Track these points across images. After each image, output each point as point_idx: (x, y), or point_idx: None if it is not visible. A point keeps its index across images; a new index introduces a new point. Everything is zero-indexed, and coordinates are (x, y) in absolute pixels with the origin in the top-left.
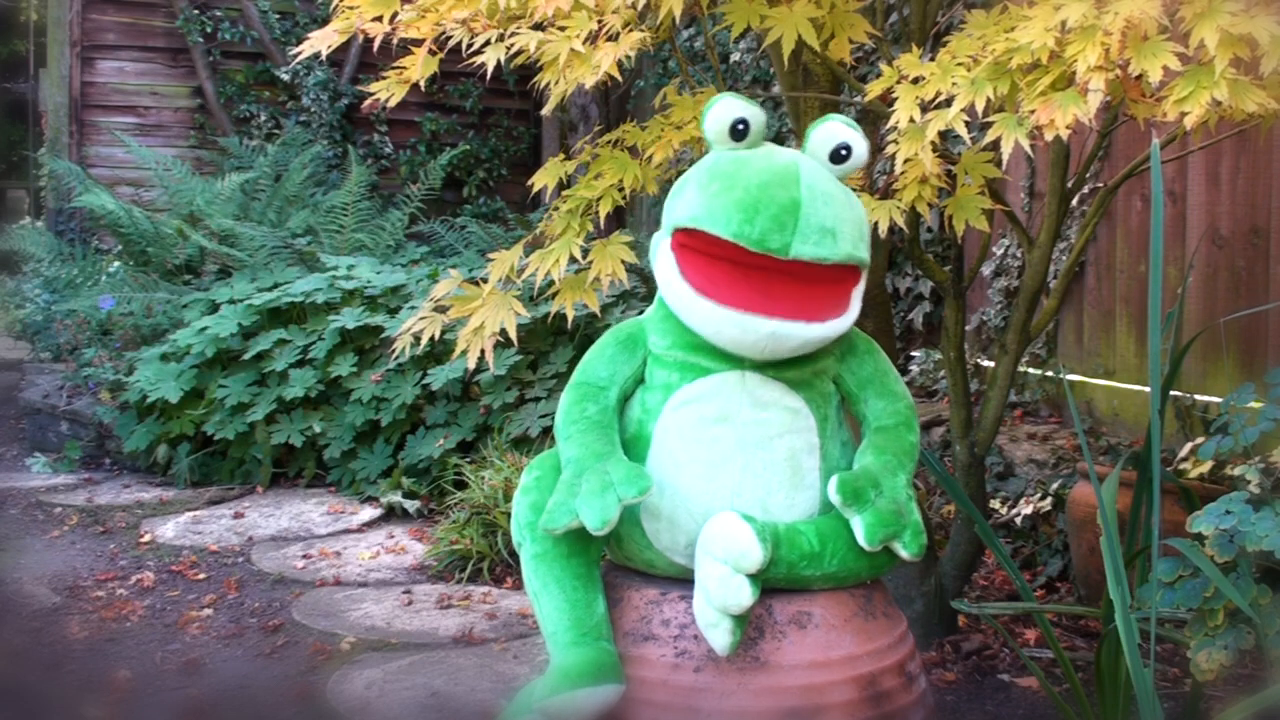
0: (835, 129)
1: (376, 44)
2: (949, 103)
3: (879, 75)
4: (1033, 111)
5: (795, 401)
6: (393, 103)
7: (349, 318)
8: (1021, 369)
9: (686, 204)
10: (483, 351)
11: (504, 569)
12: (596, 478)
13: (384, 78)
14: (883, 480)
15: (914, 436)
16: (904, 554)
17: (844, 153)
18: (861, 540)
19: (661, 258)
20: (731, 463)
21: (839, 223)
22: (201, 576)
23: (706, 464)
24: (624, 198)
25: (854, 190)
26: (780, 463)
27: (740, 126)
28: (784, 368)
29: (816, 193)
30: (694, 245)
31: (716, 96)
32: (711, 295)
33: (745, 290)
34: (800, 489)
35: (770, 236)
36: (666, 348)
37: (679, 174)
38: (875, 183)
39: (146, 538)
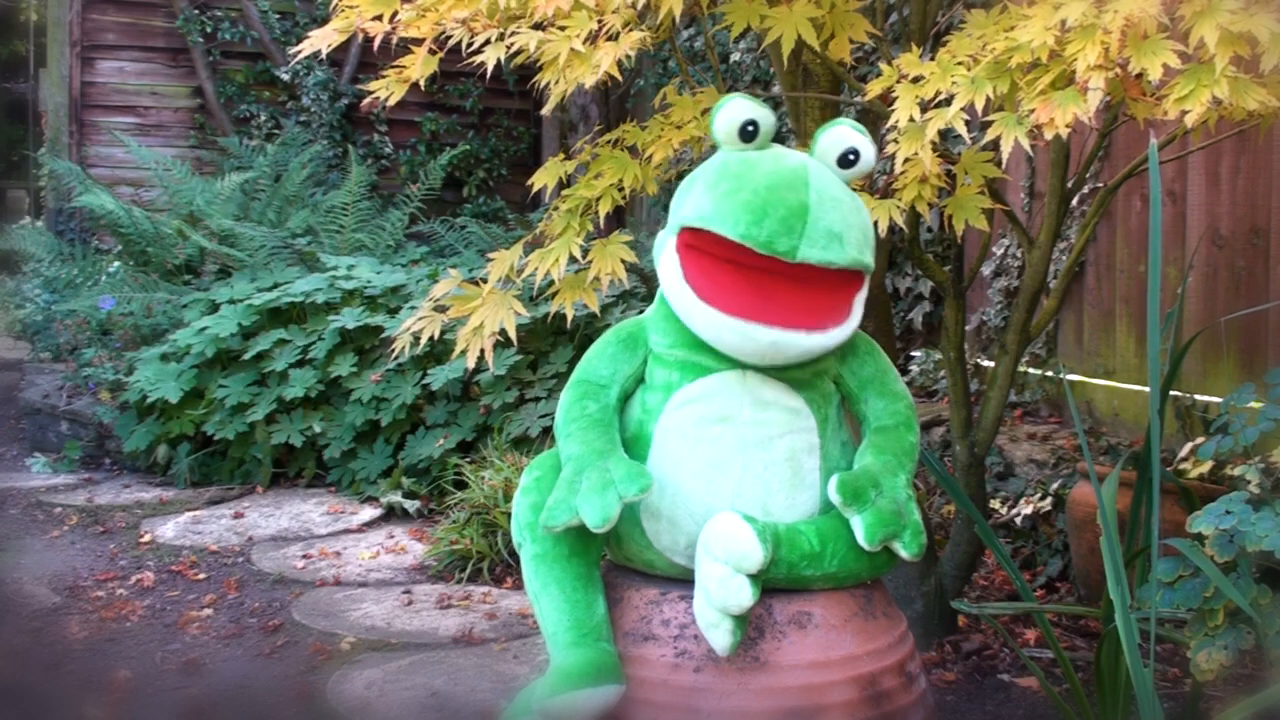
0: (844, 133)
1: (376, 43)
2: (949, 102)
3: (879, 75)
4: (1032, 110)
5: (796, 401)
6: (392, 102)
7: (349, 318)
8: (1021, 369)
9: (694, 203)
10: (482, 351)
11: (504, 569)
12: (597, 475)
13: (384, 77)
14: (883, 480)
15: (914, 437)
16: (903, 554)
17: (851, 157)
18: (861, 540)
19: (666, 258)
20: (732, 463)
21: (846, 227)
22: (201, 576)
23: (707, 464)
24: (624, 197)
25: (855, 190)
26: (780, 463)
27: (750, 128)
28: (786, 368)
29: (825, 197)
30: (700, 246)
31: (727, 97)
32: (714, 302)
33: (749, 296)
34: (801, 489)
35: (778, 239)
36: (668, 346)
37: (679, 174)
38: (875, 182)
39: (146, 538)
